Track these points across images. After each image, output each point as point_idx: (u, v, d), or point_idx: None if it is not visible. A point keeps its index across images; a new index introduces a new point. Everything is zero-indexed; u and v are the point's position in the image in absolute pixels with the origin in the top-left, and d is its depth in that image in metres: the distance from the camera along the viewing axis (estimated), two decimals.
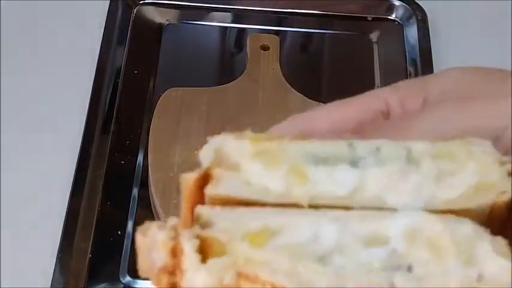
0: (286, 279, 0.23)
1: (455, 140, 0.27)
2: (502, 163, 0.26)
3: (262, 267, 0.23)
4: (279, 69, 0.80)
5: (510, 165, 0.26)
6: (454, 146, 0.26)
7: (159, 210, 0.67)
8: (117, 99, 0.77)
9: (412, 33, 0.85)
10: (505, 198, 0.25)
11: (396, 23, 0.87)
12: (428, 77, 0.35)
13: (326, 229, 0.24)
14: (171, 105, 0.76)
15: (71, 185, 0.69)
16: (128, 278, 0.65)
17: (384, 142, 0.26)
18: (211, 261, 0.24)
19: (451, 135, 0.27)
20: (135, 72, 0.80)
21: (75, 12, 0.86)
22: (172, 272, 0.24)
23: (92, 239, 0.67)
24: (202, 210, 0.25)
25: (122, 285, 0.65)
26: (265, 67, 0.80)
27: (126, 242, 0.68)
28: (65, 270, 0.64)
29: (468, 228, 0.24)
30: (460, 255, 0.23)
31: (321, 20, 0.89)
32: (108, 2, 0.85)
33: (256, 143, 0.26)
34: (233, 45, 0.89)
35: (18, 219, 0.69)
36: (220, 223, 0.25)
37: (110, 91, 0.77)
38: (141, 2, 0.86)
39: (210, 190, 0.26)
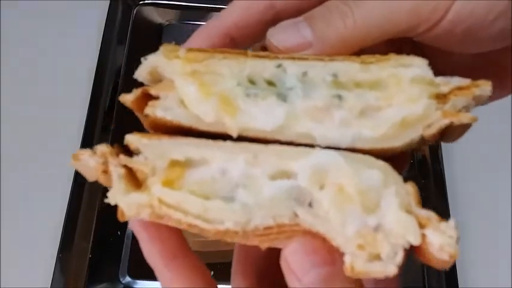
0: (196, 219, 0.25)
1: (387, 60, 0.26)
2: (434, 85, 0.25)
3: (174, 209, 0.25)
4: None
5: (443, 87, 0.25)
6: (383, 70, 0.26)
7: None
8: (117, 99, 0.77)
9: None
10: (431, 131, 0.25)
11: None
12: None
13: (237, 163, 0.25)
14: None
15: (71, 185, 0.69)
16: (128, 278, 0.65)
17: (311, 65, 0.26)
18: (131, 196, 0.26)
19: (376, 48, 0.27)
20: (135, 72, 0.80)
21: (75, 12, 0.86)
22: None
23: (92, 239, 0.67)
24: (130, 138, 0.27)
25: (122, 285, 0.65)
26: None
27: (126, 242, 0.68)
28: (65, 270, 0.64)
29: (378, 176, 0.24)
30: (363, 202, 0.24)
31: None
32: (108, 2, 0.85)
33: (188, 63, 0.27)
34: None
35: (18, 219, 0.69)
36: (146, 152, 0.26)
37: (110, 91, 0.78)
38: (141, 2, 0.86)
39: (148, 111, 0.27)
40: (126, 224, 0.69)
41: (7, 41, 0.82)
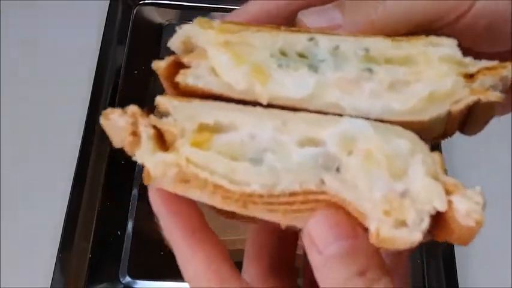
0: (223, 179, 0.25)
1: (417, 39, 0.27)
2: (462, 65, 0.26)
3: (201, 169, 0.25)
4: None
5: (471, 67, 0.26)
6: (413, 47, 0.26)
7: None
8: (117, 99, 0.77)
9: None
10: (459, 107, 0.25)
11: None
12: None
13: (266, 129, 0.25)
14: None
15: (71, 185, 0.69)
16: (128, 278, 0.65)
17: (343, 39, 0.27)
18: (159, 155, 0.26)
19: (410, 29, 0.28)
20: (135, 72, 0.80)
21: (75, 12, 0.86)
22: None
23: (92, 239, 0.67)
24: (161, 100, 0.27)
25: (122, 286, 0.65)
26: None
27: (126, 242, 0.68)
28: (65, 270, 0.64)
29: (405, 144, 0.24)
30: (390, 168, 0.24)
31: None
32: (108, 2, 0.85)
33: (221, 34, 0.27)
34: None
35: (18, 219, 0.69)
36: (175, 114, 0.27)
37: (110, 91, 0.78)
38: (141, 2, 0.86)
39: (179, 78, 0.27)
40: (126, 224, 0.69)
41: (7, 40, 0.82)
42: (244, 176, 0.25)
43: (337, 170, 0.25)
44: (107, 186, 0.71)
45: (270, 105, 0.26)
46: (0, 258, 0.66)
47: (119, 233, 0.68)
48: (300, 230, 0.27)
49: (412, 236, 0.23)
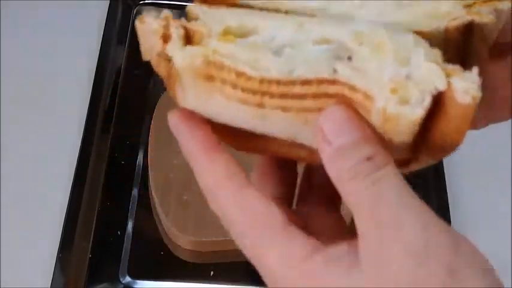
0: (246, 66, 0.28)
1: None
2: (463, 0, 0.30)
3: (226, 57, 0.28)
4: None
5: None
6: None
7: (159, 210, 0.67)
8: (117, 99, 0.77)
9: None
10: (455, 23, 0.29)
11: None
12: None
13: (285, 30, 0.29)
14: (171, 105, 0.75)
15: (71, 185, 0.69)
16: (128, 278, 0.65)
17: None
18: (187, 48, 0.29)
19: None
20: (135, 72, 0.80)
21: (75, 12, 0.86)
22: (168, 59, 0.29)
23: (92, 239, 0.67)
24: (192, 7, 0.31)
25: (122, 286, 0.65)
26: None
27: (126, 242, 0.68)
28: (65, 270, 0.64)
29: (409, 38, 0.28)
30: (396, 57, 0.27)
31: None
32: (108, 2, 0.85)
33: None
34: None
35: (18, 219, 0.69)
36: (204, 18, 0.30)
37: (110, 91, 0.78)
38: (141, 2, 0.86)
39: None
40: (126, 224, 0.69)
41: (7, 41, 0.82)
42: (265, 63, 0.28)
43: (349, 58, 0.28)
44: (107, 186, 0.71)
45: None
46: (0, 258, 0.66)
47: (118, 233, 0.68)
48: (299, 160, 0.31)
49: (415, 111, 0.26)
